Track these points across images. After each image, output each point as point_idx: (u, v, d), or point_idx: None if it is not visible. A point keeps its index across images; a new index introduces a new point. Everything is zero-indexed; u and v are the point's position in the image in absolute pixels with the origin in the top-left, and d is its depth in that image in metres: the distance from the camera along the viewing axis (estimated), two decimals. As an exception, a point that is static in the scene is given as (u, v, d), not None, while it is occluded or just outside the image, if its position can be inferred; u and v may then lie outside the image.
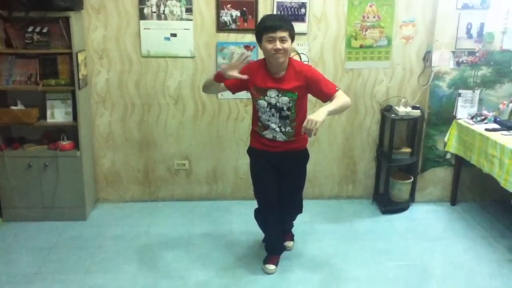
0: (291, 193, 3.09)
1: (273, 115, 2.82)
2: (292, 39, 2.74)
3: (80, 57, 3.63)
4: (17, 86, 3.66)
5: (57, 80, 3.63)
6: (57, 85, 3.63)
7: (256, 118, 2.95)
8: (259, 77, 2.81)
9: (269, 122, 2.85)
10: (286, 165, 2.98)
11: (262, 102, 2.81)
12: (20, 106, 3.68)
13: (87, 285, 2.99)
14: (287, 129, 2.86)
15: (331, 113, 2.66)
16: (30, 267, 3.17)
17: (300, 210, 3.24)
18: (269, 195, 2.99)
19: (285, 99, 2.77)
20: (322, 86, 2.78)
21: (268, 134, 2.90)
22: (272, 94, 2.78)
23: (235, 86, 2.91)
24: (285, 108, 2.79)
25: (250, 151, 3.07)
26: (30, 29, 3.49)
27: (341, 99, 2.72)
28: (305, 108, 2.92)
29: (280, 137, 2.87)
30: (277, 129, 2.85)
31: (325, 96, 2.79)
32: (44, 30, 3.52)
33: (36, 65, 3.64)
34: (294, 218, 3.35)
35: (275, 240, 3.23)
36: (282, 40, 2.66)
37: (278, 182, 2.99)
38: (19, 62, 3.65)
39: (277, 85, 2.77)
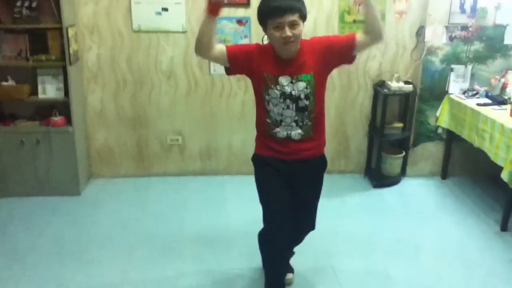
0: (305, 211, 2.55)
1: (288, 107, 2.30)
2: (304, 20, 2.22)
3: (71, 32, 3.58)
4: (7, 61, 3.62)
5: (47, 55, 3.60)
6: (48, 60, 3.59)
7: (262, 114, 2.38)
8: (270, 62, 2.29)
9: (283, 117, 2.32)
10: (300, 177, 2.45)
11: (275, 92, 2.28)
12: (10, 82, 3.65)
13: (83, 258, 3.03)
14: (305, 122, 2.34)
15: (375, 11, 2.19)
16: (26, 241, 3.20)
17: (312, 228, 2.65)
18: (281, 213, 2.37)
19: (301, 85, 2.26)
20: (337, 40, 2.32)
21: (280, 132, 2.35)
22: (284, 81, 2.26)
23: (236, 61, 2.31)
24: (302, 96, 2.28)
25: (256, 159, 2.49)
26: (18, 3, 3.44)
27: (365, 27, 2.27)
28: (323, 97, 2.39)
29: (295, 133, 2.34)
30: (293, 123, 2.33)
31: (347, 45, 2.27)
32: (33, 5, 3.47)
33: (25, 41, 3.60)
34: (303, 238, 2.73)
35: (277, 279, 2.52)
36: (292, 24, 2.15)
37: (290, 197, 2.43)
38: (8, 37, 3.60)
39: (289, 69, 2.26)
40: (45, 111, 3.76)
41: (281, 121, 2.33)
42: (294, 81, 2.26)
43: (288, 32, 2.14)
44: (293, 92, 2.27)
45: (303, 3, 2.21)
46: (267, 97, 2.31)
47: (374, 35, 2.22)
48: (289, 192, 2.41)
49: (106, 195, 3.88)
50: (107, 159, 4.17)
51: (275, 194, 2.39)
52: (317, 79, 2.28)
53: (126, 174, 4.21)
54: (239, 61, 2.32)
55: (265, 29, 2.24)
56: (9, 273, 2.86)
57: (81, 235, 3.30)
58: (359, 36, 2.25)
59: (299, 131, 2.34)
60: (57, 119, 3.71)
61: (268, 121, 2.35)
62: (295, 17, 2.15)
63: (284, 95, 2.28)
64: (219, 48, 2.28)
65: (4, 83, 3.63)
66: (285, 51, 2.22)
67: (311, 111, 2.32)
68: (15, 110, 3.82)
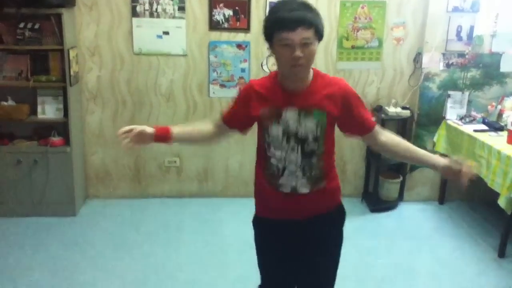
0: (320, 274, 2.03)
1: (292, 149, 1.83)
2: (320, 39, 1.76)
3: (72, 53, 3.62)
4: (7, 82, 3.65)
5: (48, 76, 3.62)
6: (48, 81, 3.62)
7: (262, 161, 1.93)
8: (273, 94, 1.85)
9: (286, 162, 1.85)
10: (313, 237, 1.96)
11: (275, 129, 1.83)
12: (10, 102, 3.67)
13: (76, 281, 2.99)
14: (313, 173, 1.87)
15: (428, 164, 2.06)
16: (19, 262, 3.17)
17: None
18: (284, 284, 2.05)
19: (310, 124, 1.81)
20: (362, 112, 1.90)
21: (284, 186, 1.87)
22: (290, 115, 1.80)
23: (237, 120, 1.98)
24: (310, 137, 1.82)
25: (257, 221, 2.04)
26: (21, 25, 3.49)
27: (396, 137, 2.04)
28: (333, 141, 1.94)
29: (302, 186, 1.87)
30: (299, 172, 1.85)
31: (363, 128, 1.92)
32: (36, 27, 3.51)
33: (27, 61, 3.63)
34: None
35: None
36: (305, 43, 1.68)
37: (299, 263, 2.00)
38: (10, 58, 3.64)
39: (297, 101, 1.81)
40: (43, 131, 3.77)
41: (284, 168, 1.86)
42: (302, 115, 1.80)
43: (299, 51, 1.68)
44: (299, 132, 1.82)
45: (320, 17, 1.74)
46: (267, 138, 1.86)
47: (388, 154, 2.06)
48: (296, 260, 1.99)
49: (101, 216, 3.86)
50: (104, 179, 4.16)
51: (278, 265, 2.00)
52: (329, 120, 1.84)
53: (122, 195, 4.20)
54: (239, 119, 1.97)
55: (271, 45, 1.77)
56: (1, 294, 2.84)
57: (75, 257, 3.27)
58: (377, 134, 1.96)
59: (307, 183, 1.87)
60: (56, 139, 3.72)
61: (268, 172, 1.90)
62: (309, 34, 1.68)
63: (288, 134, 1.82)
64: (217, 126, 2.02)
65: (4, 103, 3.65)
66: (293, 76, 1.78)
67: (320, 157, 1.87)
68: (14, 130, 3.82)
